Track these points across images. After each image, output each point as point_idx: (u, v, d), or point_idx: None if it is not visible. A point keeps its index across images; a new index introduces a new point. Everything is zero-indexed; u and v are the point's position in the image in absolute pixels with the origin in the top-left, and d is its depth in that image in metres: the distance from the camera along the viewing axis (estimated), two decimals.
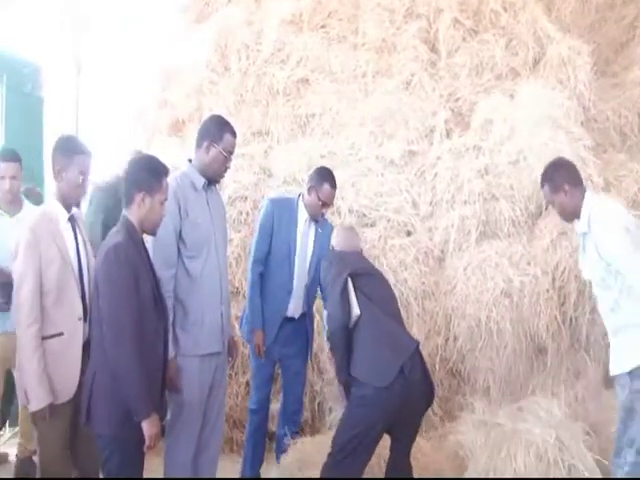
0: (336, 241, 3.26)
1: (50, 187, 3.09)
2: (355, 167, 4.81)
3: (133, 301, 2.31)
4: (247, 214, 4.83)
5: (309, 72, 5.31)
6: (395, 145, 4.85)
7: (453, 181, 4.58)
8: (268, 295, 3.56)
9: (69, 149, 2.81)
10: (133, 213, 2.47)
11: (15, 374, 2.99)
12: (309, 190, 3.62)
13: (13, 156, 3.54)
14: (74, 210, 2.88)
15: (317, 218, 3.63)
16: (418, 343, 2.86)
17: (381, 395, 2.66)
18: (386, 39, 5.34)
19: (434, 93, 5.11)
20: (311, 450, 3.21)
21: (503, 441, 3.04)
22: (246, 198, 4.86)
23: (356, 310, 2.81)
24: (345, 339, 2.82)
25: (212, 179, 3.02)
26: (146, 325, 2.36)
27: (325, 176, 3.64)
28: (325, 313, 3.08)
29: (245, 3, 5.68)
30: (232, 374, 4.18)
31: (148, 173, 2.49)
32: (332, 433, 2.89)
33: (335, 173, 4.63)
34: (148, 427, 2.30)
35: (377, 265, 4.54)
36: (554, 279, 4.18)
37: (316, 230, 3.67)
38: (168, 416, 2.90)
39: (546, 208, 4.42)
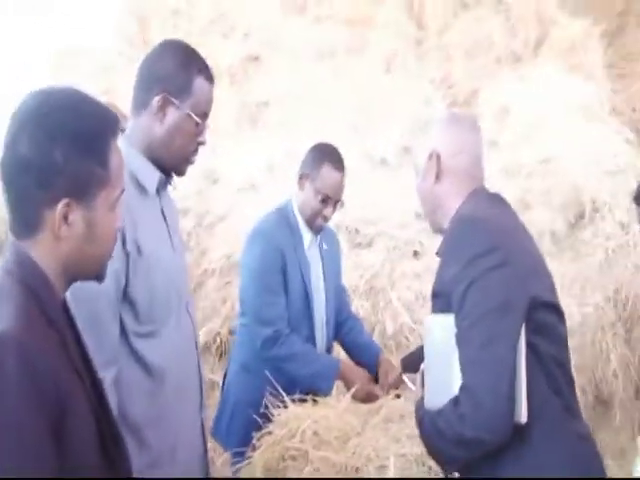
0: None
1: None
2: None
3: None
4: (189, 234, 3.44)
5: (258, 47, 4.05)
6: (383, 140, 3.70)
7: None
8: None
9: None
10: (42, 248, 0.96)
11: None
12: (300, 182, 2.16)
13: None
14: None
15: (318, 227, 2.18)
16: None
17: None
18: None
19: (423, 77, 4.06)
20: None
21: None
22: (187, 212, 3.46)
23: (522, 411, 1.18)
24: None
25: (172, 165, 1.47)
26: None
27: (325, 154, 2.16)
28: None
29: None
30: None
31: (75, 149, 0.93)
32: None
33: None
34: None
35: (384, 303, 3.37)
36: (616, 307, 3.20)
37: (320, 248, 2.25)
38: None
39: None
